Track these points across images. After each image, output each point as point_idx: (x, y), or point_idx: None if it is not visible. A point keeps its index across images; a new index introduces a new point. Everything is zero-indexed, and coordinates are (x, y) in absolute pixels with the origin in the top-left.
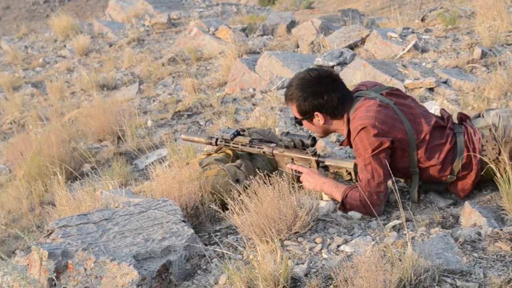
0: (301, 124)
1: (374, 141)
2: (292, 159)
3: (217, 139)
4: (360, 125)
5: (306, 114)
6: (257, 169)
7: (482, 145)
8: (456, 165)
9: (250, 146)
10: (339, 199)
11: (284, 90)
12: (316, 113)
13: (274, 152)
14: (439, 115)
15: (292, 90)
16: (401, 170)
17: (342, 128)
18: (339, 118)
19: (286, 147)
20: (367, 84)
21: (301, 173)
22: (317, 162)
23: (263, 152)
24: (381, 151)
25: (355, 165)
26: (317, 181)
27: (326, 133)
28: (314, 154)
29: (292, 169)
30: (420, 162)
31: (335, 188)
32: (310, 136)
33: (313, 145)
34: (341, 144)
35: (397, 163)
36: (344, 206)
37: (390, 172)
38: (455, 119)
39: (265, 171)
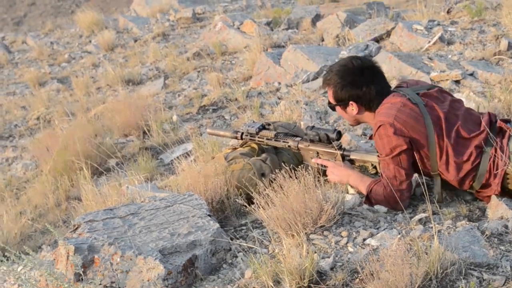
0: (334, 109)
1: (391, 140)
2: (317, 153)
3: (242, 133)
4: (380, 122)
5: (341, 102)
6: (282, 163)
7: (507, 174)
8: (476, 184)
9: (275, 140)
10: (365, 193)
11: (312, 83)
12: (351, 102)
13: (300, 146)
14: (481, 120)
15: (332, 75)
16: (423, 171)
17: (372, 121)
18: (373, 111)
19: (311, 141)
20: (410, 82)
21: (327, 167)
22: (343, 156)
23: (288, 146)
24: (401, 152)
25: None
26: (343, 174)
27: (357, 122)
28: (340, 148)
29: (317, 163)
30: (440, 169)
31: (360, 182)
32: (335, 130)
33: (338, 139)
34: (370, 138)
35: (418, 165)
36: (369, 200)
37: (412, 171)
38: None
39: (291, 165)
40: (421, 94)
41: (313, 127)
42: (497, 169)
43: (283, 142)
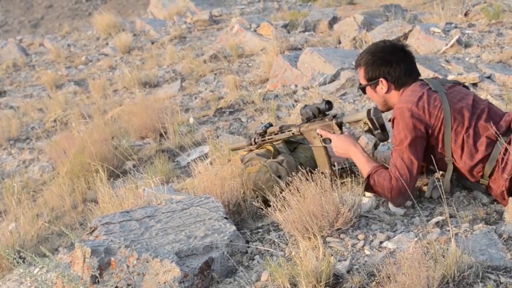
0: (364, 91)
1: (408, 123)
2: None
3: (254, 139)
4: (399, 108)
5: (372, 80)
6: (299, 165)
7: None
8: (487, 170)
9: (281, 132)
10: (365, 174)
11: (329, 86)
12: (381, 79)
13: (302, 129)
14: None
15: (363, 54)
16: (437, 160)
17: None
18: (399, 90)
19: (308, 119)
20: (438, 79)
21: (330, 141)
22: (338, 125)
23: (293, 133)
24: (416, 138)
25: (368, 112)
26: (344, 147)
27: (386, 105)
28: (333, 117)
29: (321, 136)
30: (454, 155)
31: (363, 161)
32: (324, 100)
33: (329, 108)
34: (390, 121)
35: (433, 150)
36: (368, 184)
37: (420, 165)
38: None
39: (307, 168)
40: (446, 86)
41: (305, 106)
42: (505, 163)
43: (287, 131)
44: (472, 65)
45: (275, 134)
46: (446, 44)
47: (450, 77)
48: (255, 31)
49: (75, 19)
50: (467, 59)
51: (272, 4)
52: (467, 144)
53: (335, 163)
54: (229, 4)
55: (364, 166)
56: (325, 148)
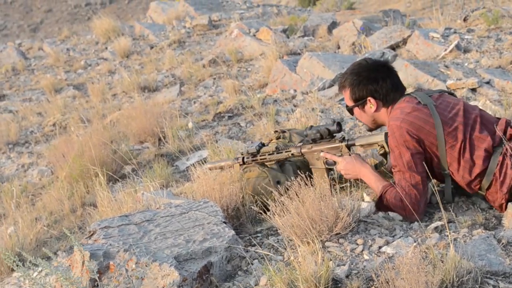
0: (352, 112)
1: (400, 141)
2: (322, 152)
3: (243, 158)
4: (390, 126)
5: (359, 100)
6: (298, 170)
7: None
8: (484, 184)
9: (277, 153)
10: (378, 193)
11: (328, 90)
12: (369, 98)
13: (303, 150)
14: (495, 124)
15: (347, 76)
16: (435, 172)
17: (386, 120)
18: (388, 107)
19: (314, 140)
20: (424, 91)
21: (336, 163)
22: (348, 147)
23: (292, 154)
24: (412, 155)
25: (386, 135)
26: (354, 169)
27: (375, 124)
28: (343, 139)
29: (325, 159)
30: (451, 169)
31: (374, 180)
32: (334, 121)
33: (339, 130)
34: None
35: (429, 165)
36: (381, 202)
37: (426, 176)
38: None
39: (307, 172)
40: (434, 97)
41: (311, 126)
42: (503, 177)
43: (286, 152)
44: (471, 70)
45: (270, 154)
46: (445, 49)
47: (449, 82)
48: (254, 35)
49: (74, 23)
50: (466, 64)
51: (272, 9)
52: (464, 158)
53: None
54: (228, 8)
55: (376, 185)
56: (327, 170)
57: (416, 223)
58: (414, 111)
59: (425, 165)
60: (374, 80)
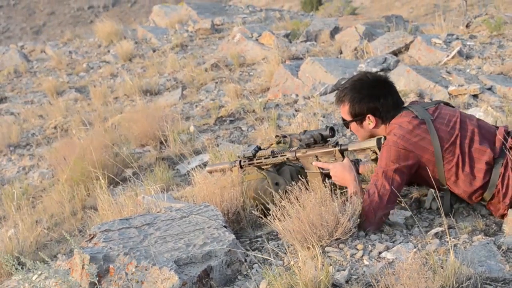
0: (348, 126)
1: (391, 155)
2: (316, 156)
3: (240, 161)
4: (387, 140)
5: (358, 116)
6: (297, 174)
7: None
8: (486, 197)
9: (273, 157)
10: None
11: (330, 95)
12: (368, 115)
13: (297, 155)
14: (494, 133)
15: (346, 91)
16: (435, 185)
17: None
18: (387, 124)
19: (307, 145)
20: (420, 103)
21: (328, 169)
22: (341, 152)
23: (287, 158)
24: (397, 169)
25: (378, 140)
26: (344, 179)
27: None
28: (336, 144)
29: (318, 167)
30: (449, 183)
31: (353, 188)
32: (327, 126)
33: (332, 135)
34: None
35: (427, 180)
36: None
37: (396, 198)
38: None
39: (307, 178)
40: (430, 110)
41: (305, 131)
42: (505, 188)
43: (281, 156)
44: (473, 76)
45: (266, 158)
46: (448, 55)
47: (451, 88)
48: (256, 40)
49: (77, 26)
50: (468, 70)
51: (274, 13)
52: (464, 172)
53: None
54: (231, 13)
55: (352, 193)
56: (322, 174)
57: (416, 228)
58: (412, 128)
59: (400, 183)
60: (375, 98)
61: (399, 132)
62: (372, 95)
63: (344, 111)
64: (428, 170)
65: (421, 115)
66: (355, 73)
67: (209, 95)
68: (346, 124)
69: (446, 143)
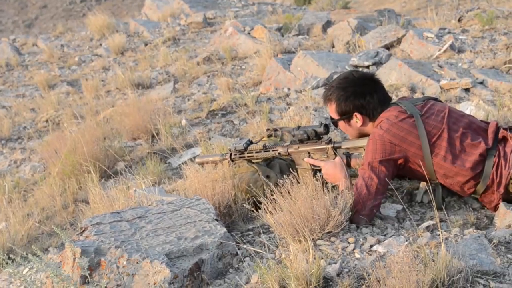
0: (336, 125)
1: (377, 148)
2: (309, 152)
3: (231, 154)
4: (373, 132)
5: (345, 115)
6: (288, 169)
7: (508, 183)
8: (478, 190)
9: (264, 151)
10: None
11: (321, 89)
12: (355, 113)
13: (290, 150)
14: (485, 128)
15: (333, 90)
16: (424, 180)
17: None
18: (374, 121)
19: (300, 141)
20: (409, 98)
21: (319, 167)
22: (334, 149)
23: (279, 153)
24: (381, 161)
25: None
26: (335, 178)
27: (360, 136)
28: (329, 141)
29: (310, 164)
30: (438, 176)
31: (344, 185)
32: (321, 123)
33: (326, 132)
34: None
35: (417, 174)
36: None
37: (385, 189)
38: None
39: (296, 171)
40: (419, 105)
41: (299, 127)
42: (499, 177)
43: (273, 151)
44: (465, 70)
45: (257, 152)
46: (439, 49)
47: (443, 82)
48: (249, 33)
49: (69, 19)
50: (460, 64)
51: (266, 7)
52: (455, 165)
53: None
54: (223, 6)
55: (341, 190)
56: (313, 170)
57: (408, 222)
58: (399, 121)
59: (386, 174)
60: (361, 96)
61: (385, 125)
62: (358, 93)
63: (331, 110)
64: (415, 164)
65: (410, 110)
66: (347, 67)
67: (201, 88)
68: (334, 123)
69: (434, 137)
